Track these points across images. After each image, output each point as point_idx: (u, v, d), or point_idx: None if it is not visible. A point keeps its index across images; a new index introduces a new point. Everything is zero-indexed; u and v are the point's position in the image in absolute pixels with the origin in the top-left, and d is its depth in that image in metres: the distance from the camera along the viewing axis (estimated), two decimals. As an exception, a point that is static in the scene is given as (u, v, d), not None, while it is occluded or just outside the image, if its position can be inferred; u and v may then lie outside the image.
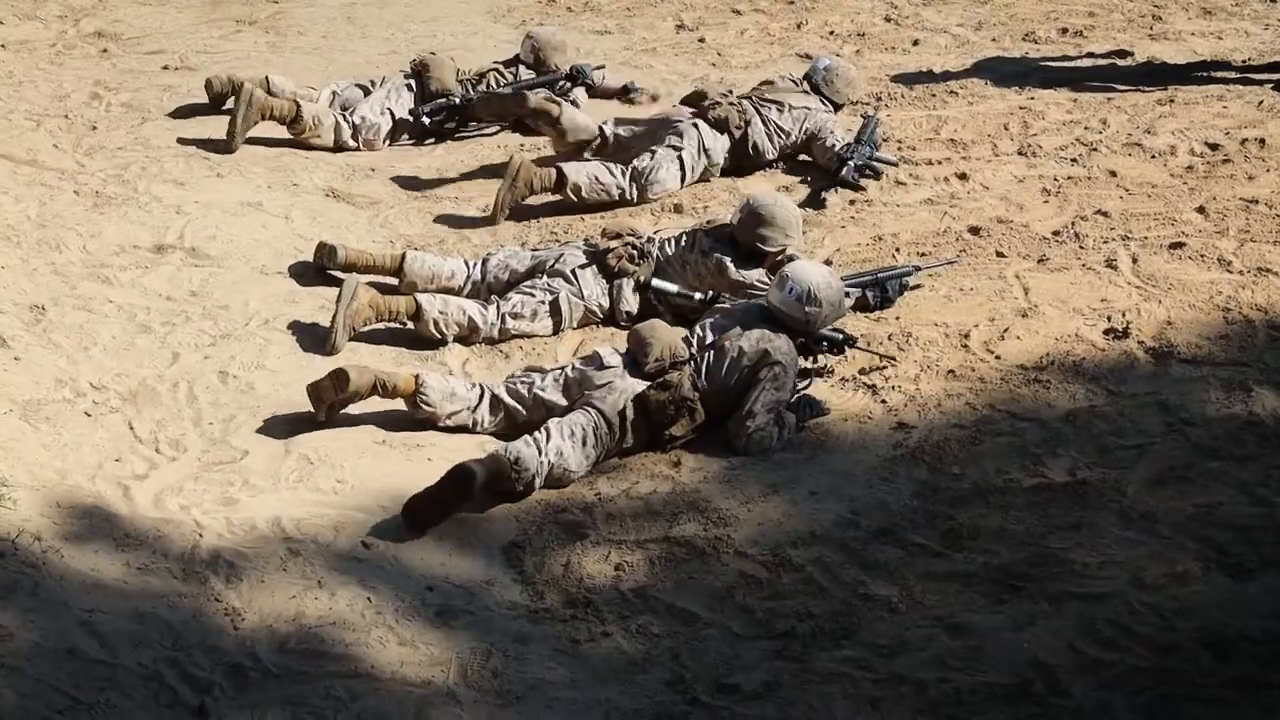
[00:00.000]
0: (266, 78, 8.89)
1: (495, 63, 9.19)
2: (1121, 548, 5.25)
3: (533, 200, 7.91)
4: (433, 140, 8.80)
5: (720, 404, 6.06)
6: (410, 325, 6.70)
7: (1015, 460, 5.79)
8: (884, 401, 6.22)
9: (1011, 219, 7.70)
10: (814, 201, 7.94)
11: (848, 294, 6.56)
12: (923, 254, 7.38)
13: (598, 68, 9.21)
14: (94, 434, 5.86)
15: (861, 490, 5.66)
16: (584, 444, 5.80)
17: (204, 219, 7.67)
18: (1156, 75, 9.54)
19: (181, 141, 8.55)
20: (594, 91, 9.02)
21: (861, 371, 6.42)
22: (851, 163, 8.11)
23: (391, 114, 8.75)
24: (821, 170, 8.26)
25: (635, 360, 6.05)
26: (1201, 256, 7.20)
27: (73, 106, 9.10)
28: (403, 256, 7.03)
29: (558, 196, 7.88)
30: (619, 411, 5.89)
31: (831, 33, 10.53)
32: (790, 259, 6.69)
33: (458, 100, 8.77)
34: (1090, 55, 9.93)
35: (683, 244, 7.02)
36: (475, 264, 7.08)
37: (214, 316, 6.79)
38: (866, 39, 10.40)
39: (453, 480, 5.45)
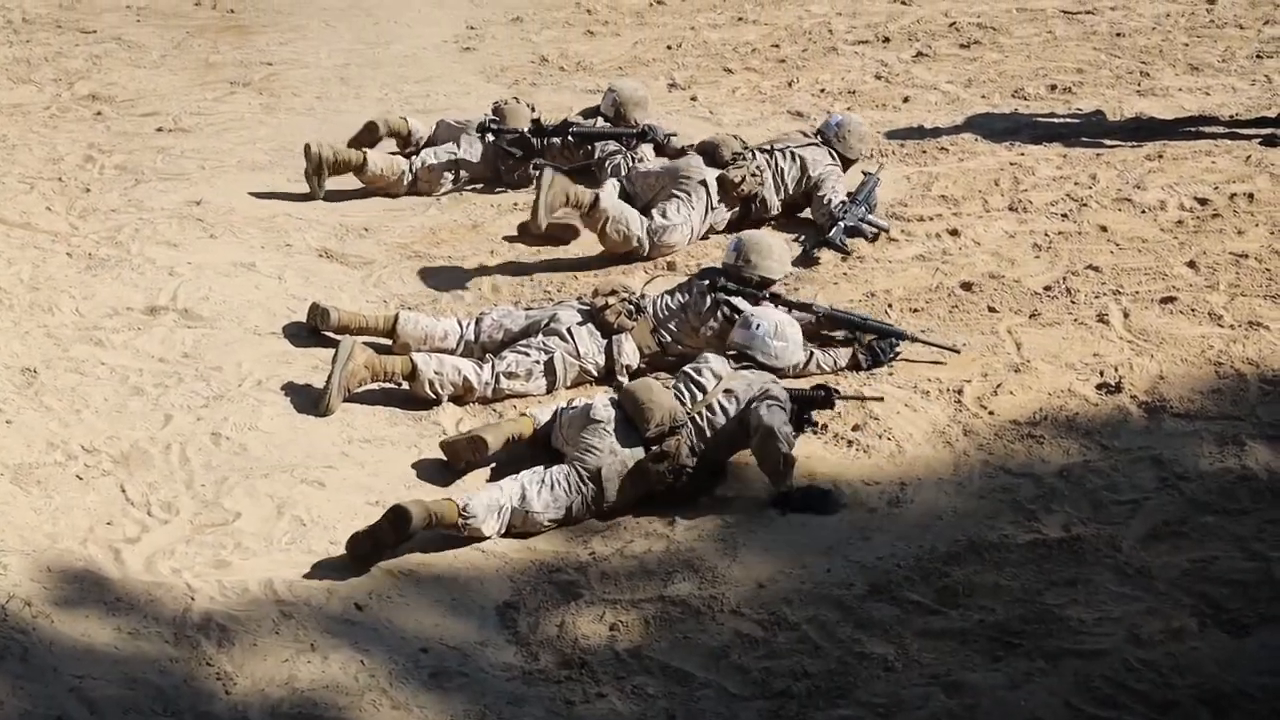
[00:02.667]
0: (405, 119, 9.31)
1: (575, 115, 9.38)
2: (1117, 604, 5.24)
3: (534, 254, 7.96)
4: (502, 189, 8.98)
5: (721, 452, 6.12)
6: (405, 385, 6.70)
7: (1010, 516, 5.78)
8: (877, 457, 6.22)
9: (1003, 274, 7.73)
10: (804, 259, 7.97)
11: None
12: (915, 310, 7.40)
13: (670, 135, 9.24)
14: (85, 497, 5.84)
15: (856, 547, 5.64)
16: (551, 488, 5.84)
17: (197, 280, 7.68)
18: (1145, 131, 9.60)
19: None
20: (660, 151, 9.05)
21: (854, 428, 6.42)
22: (841, 224, 8.13)
23: (456, 162, 8.95)
24: (815, 227, 8.30)
25: (629, 422, 6.05)
26: (1192, 311, 7.22)
27: (66, 169, 9.13)
28: (395, 317, 7.04)
29: (585, 219, 7.98)
30: (611, 476, 5.91)
31: (822, 90, 10.59)
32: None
33: (528, 132, 8.96)
34: (1079, 111, 10.01)
35: (679, 296, 7.05)
36: (469, 323, 7.09)
37: (206, 378, 6.78)
38: (857, 96, 10.45)
39: (389, 520, 5.50)
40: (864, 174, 8.59)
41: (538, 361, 6.82)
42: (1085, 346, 6.99)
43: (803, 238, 8.25)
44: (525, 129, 8.96)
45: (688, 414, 6.09)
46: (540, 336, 6.92)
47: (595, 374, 6.93)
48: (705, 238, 8.28)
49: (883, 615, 5.25)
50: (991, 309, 7.39)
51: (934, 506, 5.87)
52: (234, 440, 6.30)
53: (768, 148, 8.51)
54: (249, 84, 10.88)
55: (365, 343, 6.80)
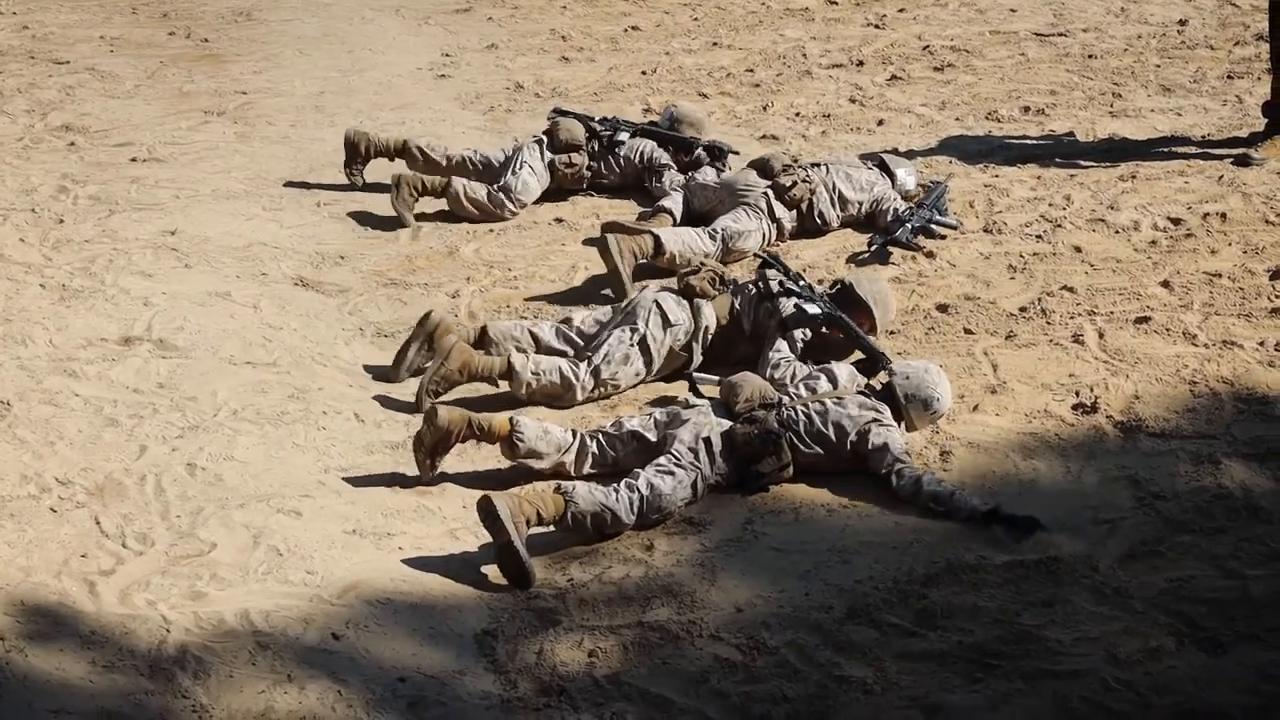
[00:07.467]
0: (405, 141, 9.24)
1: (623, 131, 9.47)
2: (1095, 624, 5.24)
3: (511, 282, 7.95)
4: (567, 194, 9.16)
5: (816, 460, 6.18)
6: (501, 386, 6.65)
7: (986, 537, 5.78)
8: (853, 480, 6.22)
9: (979, 296, 7.75)
10: (877, 257, 8.18)
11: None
12: (892, 332, 7.41)
13: (734, 152, 9.36)
14: (60, 530, 5.81)
15: (835, 570, 5.64)
16: (672, 475, 5.94)
17: (171, 310, 7.66)
18: (1118, 152, 9.66)
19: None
20: (723, 175, 9.10)
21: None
22: (908, 224, 8.31)
23: (534, 172, 9.07)
24: (883, 231, 8.43)
25: (726, 406, 6.21)
26: (1167, 330, 7.25)
27: (40, 200, 9.11)
28: (484, 329, 7.05)
29: (655, 262, 8.04)
30: (703, 439, 6.04)
31: (797, 114, 10.62)
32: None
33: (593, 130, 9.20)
34: (1052, 133, 10.06)
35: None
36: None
37: (182, 408, 6.75)
38: (832, 120, 10.49)
39: (480, 514, 5.61)
40: (931, 182, 8.85)
41: (631, 344, 6.81)
42: (1061, 367, 7.02)
43: (872, 237, 8.37)
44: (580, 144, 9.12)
45: (780, 399, 6.24)
46: (621, 322, 6.90)
47: (684, 345, 6.90)
48: (775, 244, 8.41)
49: (861, 638, 5.25)
50: (968, 331, 7.41)
51: (911, 528, 5.88)
52: (209, 470, 6.27)
53: (818, 163, 8.74)
54: (223, 113, 10.87)
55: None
